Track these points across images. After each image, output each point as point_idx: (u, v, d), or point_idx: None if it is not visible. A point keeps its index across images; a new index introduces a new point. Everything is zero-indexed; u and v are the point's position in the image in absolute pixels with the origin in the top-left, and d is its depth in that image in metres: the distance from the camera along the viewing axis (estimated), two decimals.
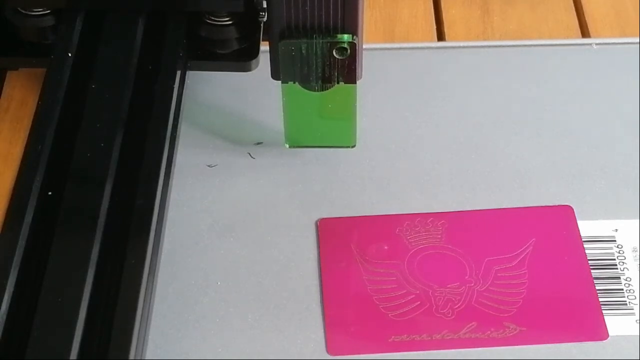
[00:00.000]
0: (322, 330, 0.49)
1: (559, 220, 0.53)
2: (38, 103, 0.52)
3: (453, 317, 0.50)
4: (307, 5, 0.49)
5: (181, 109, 0.53)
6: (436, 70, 0.60)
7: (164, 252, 0.50)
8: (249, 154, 0.56)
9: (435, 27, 0.63)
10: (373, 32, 0.63)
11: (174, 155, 0.52)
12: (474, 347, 0.49)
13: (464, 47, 0.62)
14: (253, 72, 0.56)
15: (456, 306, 0.50)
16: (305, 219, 0.53)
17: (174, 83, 0.53)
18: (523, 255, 0.52)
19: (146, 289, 0.46)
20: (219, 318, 0.50)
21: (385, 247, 0.52)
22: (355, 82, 0.52)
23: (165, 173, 0.50)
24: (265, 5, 0.53)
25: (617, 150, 0.56)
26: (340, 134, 0.55)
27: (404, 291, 0.51)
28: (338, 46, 0.50)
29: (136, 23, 0.54)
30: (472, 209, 0.54)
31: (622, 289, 0.51)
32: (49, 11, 0.55)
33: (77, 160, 0.49)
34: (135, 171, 0.49)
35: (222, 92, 0.59)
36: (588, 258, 0.52)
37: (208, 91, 0.59)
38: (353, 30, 0.50)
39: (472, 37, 0.63)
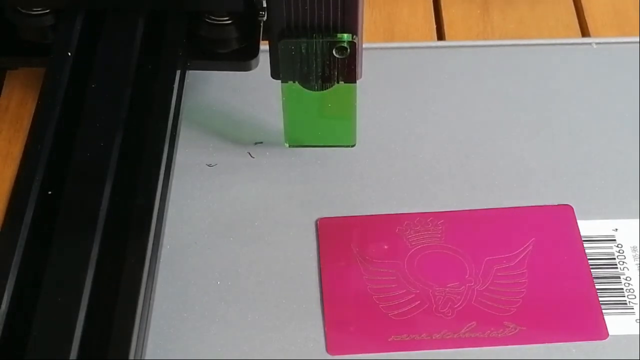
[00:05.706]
0: (322, 330, 0.49)
1: (559, 220, 0.53)
2: (38, 102, 0.52)
3: (453, 316, 0.50)
4: (307, 5, 0.49)
5: (181, 108, 0.53)
6: (436, 70, 0.60)
7: (164, 252, 0.50)
8: (249, 153, 0.56)
9: (435, 26, 0.63)
10: (373, 32, 0.63)
11: (174, 154, 0.52)
12: (474, 347, 0.49)
13: (463, 46, 0.62)
14: (253, 71, 0.56)
15: (456, 306, 0.50)
16: (305, 219, 0.53)
17: (173, 83, 0.53)
18: (523, 255, 0.52)
19: (146, 289, 0.46)
20: (218, 318, 0.50)
21: (385, 247, 0.52)
22: (355, 82, 0.52)
23: (165, 172, 0.50)
24: (265, 5, 0.53)
25: (617, 150, 0.56)
26: (340, 134, 0.55)
27: (404, 290, 0.51)
28: (338, 45, 0.50)
29: (136, 23, 0.54)
30: (472, 209, 0.54)
31: (622, 288, 0.51)
32: (48, 11, 0.55)
33: (76, 160, 0.49)
34: (135, 171, 0.49)
35: (222, 92, 0.59)
36: (588, 257, 0.52)
37: (208, 91, 0.59)
38: (353, 29, 0.50)
39: (471, 37, 0.63)
